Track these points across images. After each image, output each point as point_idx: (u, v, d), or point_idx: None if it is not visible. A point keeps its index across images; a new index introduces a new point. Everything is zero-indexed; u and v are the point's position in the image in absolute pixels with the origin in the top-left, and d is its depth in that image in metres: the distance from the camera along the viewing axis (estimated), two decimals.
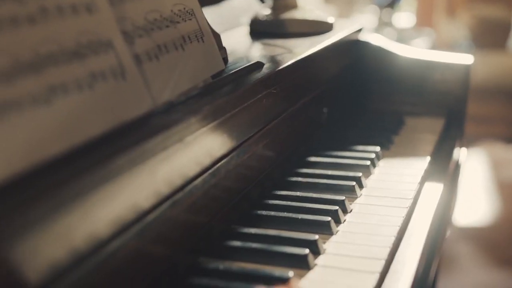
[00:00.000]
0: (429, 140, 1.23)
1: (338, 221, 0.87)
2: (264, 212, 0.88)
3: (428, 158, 1.12)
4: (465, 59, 1.40)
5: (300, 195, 0.94)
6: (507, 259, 2.42)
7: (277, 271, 0.72)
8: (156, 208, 0.68)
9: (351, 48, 1.41)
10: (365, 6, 4.06)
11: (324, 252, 0.79)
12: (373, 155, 1.10)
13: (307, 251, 0.75)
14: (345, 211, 0.90)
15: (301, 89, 1.10)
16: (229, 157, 0.84)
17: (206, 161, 0.78)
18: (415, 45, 3.04)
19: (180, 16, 0.81)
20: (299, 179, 1.01)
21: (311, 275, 0.74)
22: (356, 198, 0.96)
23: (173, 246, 0.72)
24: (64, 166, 0.55)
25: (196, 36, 0.83)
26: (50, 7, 0.61)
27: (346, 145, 1.16)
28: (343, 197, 0.92)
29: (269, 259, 0.76)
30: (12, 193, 0.49)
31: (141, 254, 0.66)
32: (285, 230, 0.84)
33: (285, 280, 0.70)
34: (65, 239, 0.55)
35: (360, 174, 1.01)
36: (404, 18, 4.16)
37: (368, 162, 1.07)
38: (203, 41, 0.85)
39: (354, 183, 0.97)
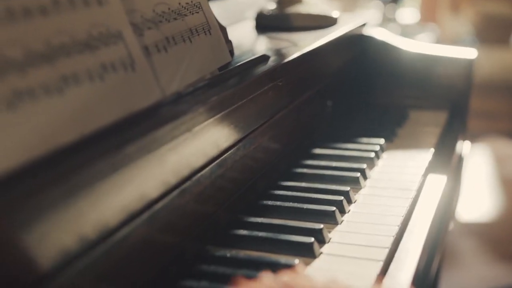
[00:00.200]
0: (433, 133, 1.25)
1: (343, 211, 0.88)
2: (270, 202, 0.90)
3: (432, 150, 1.13)
4: (469, 53, 1.41)
5: (306, 186, 0.96)
6: (511, 255, 2.43)
7: (283, 258, 0.73)
8: (164, 196, 0.69)
9: (355, 42, 1.42)
10: (369, 1, 4.07)
11: (329, 241, 0.80)
12: (377, 147, 1.12)
13: (312, 239, 0.77)
14: (349, 202, 0.92)
15: (306, 82, 1.12)
16: (235, 148, 0.85)
17: (213, 151, 0.79)
18: (419, 40, 3.05)
19: (187, 9, 0.83)
20: (305, 170, 1.03)
21: (316, 263, 0.75)
22: (361, 189, 0.97)
23: (181, 234, 0.74)
24: (76, 154, 0.56)
25: (203, 29, 0.85)
26: (62, 0, 0.62)
27: (351, 138, 1.18)
28: (347, 188, 0.93)
29: (275, 247, 0.78)
30: (24, 179, 0.50)
31: (150, 241, 0.67)
32: (291, 220, 0.85)
33: (291, 267, 0.71)
34: (75, 226, 0.56)
35: (364, 165, 1.02)
36: (408, 13, 4.16)
37: (373, 154, 1.08)
38: (210, 34, 0.86)
39: (358, 174, 0.99)
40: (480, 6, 3.58)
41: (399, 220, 0.86)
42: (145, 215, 0.66)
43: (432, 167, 1.09)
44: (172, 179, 0.71)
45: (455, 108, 1.40)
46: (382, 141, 1.16)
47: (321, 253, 0.77)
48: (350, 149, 1.12)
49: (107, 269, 0.61)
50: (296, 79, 1.06)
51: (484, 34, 3.57)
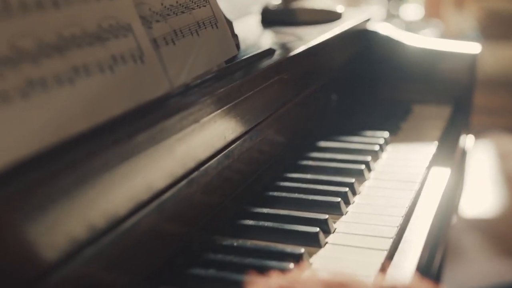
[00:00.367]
0: (437, 126, 1.26)
1: (347, 202, 0.89)
2: (276, 194, 0.91)
3: (436, 143, 1.14)
4: (473, 48, 1.42)
5: (311, 177, 0.97)
6: None
7: (289, 248, 0.75)
8: (172, 186, 0.70)
9: (360, 37, 1.43)
10: None
11: (334, 231, 0.81)
12: (381, 140, 1.13)
13: (317, 229, 0.78)
14: (354, 193, 0.93)
15: (311, 76, 1.13)
16: (242, 139, 0.86)
17: (220, 142, 0.80)
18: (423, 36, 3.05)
19: (195, 3, 0.84)
20: (310, 162, 1.04)
21: (322, 252, 0.76)
22: (365, 181, 0.99)
23: (189, 224, 0.75)
24: (87, 144, 0.57)
25: (210, 22, 0.86)
26: None
27: (355, 131, 1.19)
28: (352, 180, 0.94)
29: (281, 237, 0.79)
30: (35, 168, 0.52)
31: (158, 231, 0.68)
32: (297, 210, 0.86)
33: (297, 256, 0.72)
34: (85, 214, 0.57)
35: (369, 158, 1.04)
36: (411, 9, 4.16)
37: (377, 147, 1.09)
38: (217, 27, 0.87)
39: (363, 166, 1.00)
40: (484, 2, 3.58)
41: (403, 211, 0.87)
42: (154, 205, 0.67)
43: (436, 160, 1.10)
44: (180, 170, 0.72)
45: (458, 103, 1.41)
46: (386, 134, 1.17)
47: (327, 242, 0.79)
48: (354, 142, 1.13)
49: (116, 258, 0.62)
50: (301, 73, 1.07)
51: (488, 30, 3.57)
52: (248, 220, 0.82)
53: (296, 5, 1.31)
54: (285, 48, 1.05)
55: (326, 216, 0.82)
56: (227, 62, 0.88)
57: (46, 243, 0.53)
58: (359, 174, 0.99)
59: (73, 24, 0.63)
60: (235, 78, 0.83)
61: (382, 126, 1.21)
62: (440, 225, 0.99)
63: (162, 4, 0.77)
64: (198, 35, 0.82)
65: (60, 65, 0.59)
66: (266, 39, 1.17)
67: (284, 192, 0.91)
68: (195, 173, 0.75)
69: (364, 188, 0.96)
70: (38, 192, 0.51)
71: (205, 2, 0.86)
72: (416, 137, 1.19)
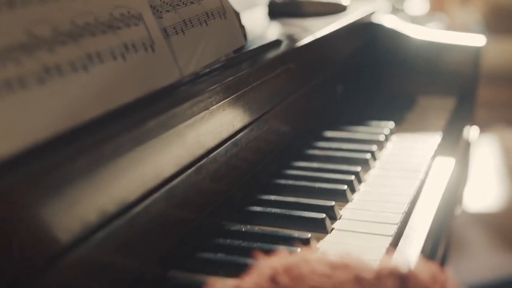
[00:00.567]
0: (441, 117, 1.27)
1: (353, 190, 0.91)
2: (283, 181, 0.93)
3: (441, 134, 1.16)
4: (477, 40, 1.43)
5: (317, 166, 0.98)
6: None
7: (296, 233, 0.76)
8: (182, 173, 0.72)
9: (365, 29, 1.44)
10: None
11: (340, 218, 0.83)
12: (386, 130, 1.14)
13: (324, 215, 0.80)
14: (360, 181, 0.94)
15: (317, 67, 1.14)
16: (249, 128, 0.88)
17: (229, 130, 0.82)
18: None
19: None
20: (316, 152, 1.05)
21: (328, 238, 0.78)
22: (370, 169, 1.00)
23: (198, 210, 0.77)
24: (100, 128, 0.59)
25: (218, 13, 0.87)
26: None
27: (361, 121, 1.20)
28: (358, 168, 0.96)
29: (288, 223, 0.81)
30: (51, 152, 0.53)
31: (168, 216, 0.70)
32: (303, 197, 0.88)
33: (304, 241, 0.74)
34: (98, 198, 0.58)
35: (374, 147, 1.05)
36: (416, 3, 4.16)
37: (382, 137, 1.11)
38: (225, 18, 0.89)
39: (368, 155, 1.01)
40: None
41: (408, 199, 0.88)
42: (164, 190, 0.69)
43: (440, 150, 1.11)
44: (190, 156, 0.73)
45: (463, 94, 1.43)
46: (391, 124, 1.18)
47: (333, 228, 0.80)
48: (360, 131, 1.15)
49: (126, 242, 0.63)
50: (308, 64, 1.09)
51: (493, 24, 3.57)
52: (255, 207, 0.84)
53: None
54: (291, 39, 1.06)
55: (333, 203, 0.83)
56: (234, 52, 0.89)
57: (60, 225, 0.54)
58: (365, 163, 1.00)
59: (86, 12, 0.64)
60: (243, 68, 0.85)
61: (387, 116, 1.23)
62: (444, 214, 1.00)
63: None
64: (207, 25, 0.84)
65: (74, 52, 0.61)
66: (272, 31, 1.19)
67: (291, 180, 0.93)
68: (204, 160, 0.76)
69: (369, 177, 0.97)
70: (54, 175, 0.53)
71: None
72: (421, 127, 1.21)
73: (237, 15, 0.96)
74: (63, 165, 0.54)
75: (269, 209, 0.83)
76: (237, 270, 0.68)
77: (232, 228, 0.79)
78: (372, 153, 1.03)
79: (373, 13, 1.46)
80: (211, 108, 0.75)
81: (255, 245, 0.74)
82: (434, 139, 1.13)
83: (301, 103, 1.08)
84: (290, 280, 0.49)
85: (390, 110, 1.30)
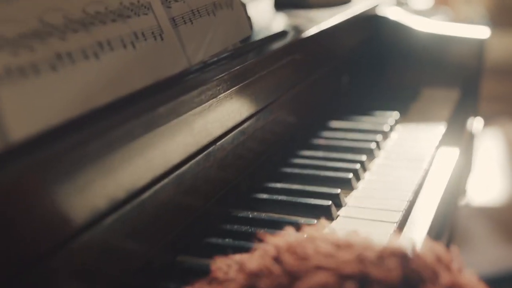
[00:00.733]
0: (445, 108, 1.28)
1: (358, 178, 0.92)
2: (289, 170, 0.94)
3: (445, 124, 1.17)
4: (481, 32, 1.44)
5: (323, 155, 0.99)
6: None
7: (302, 219, 0.77)
8: (191, 159, 0.73)
9: (370, 21, 1.45)
10: None
11: (345, 205, 0.84)
12: (391, 120, 1.15)
13: (330, 202, 0.81)
14: (365, 170, 0.95)
15: (322, 57, 1.15)
16: (255, 117, 0.89)
17: (236, 119, 0.83)
18: None
19: None
20: (322, 141, 1.06)
21: (334, 224, 0.79)
22: (375, 158, 1.01)
23: (206, 197, 0.78)
24: (112, 114, 0.60)
25: (226, 3, 0.88)
26: None
27: (365, 111, 1.22)
28: (363, 157, 0.97)
29: (295, 210, 0.82)
30: (64, 136, 0.54)
31: (177, 201, 0.71)
32: (309, 185, 0.89)
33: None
34: (110, 181, 0.59)
35: (379, 137, 1.06)
36: None
37: (387, 127, 1.12)
38: (232, 8, 0.90)
39: (373, 145, 1.02)
40: None
41: (412, 187, 0.89)
42: (172, 177, 0.70)
43: (444, 140, 1.12)
44: (198, 144, 0.74)
45: (467, 86, 1.43)
46: (396, 114, 1.19)
47: (338, 215, 0.81)
48: (365, 121, 1.16)
49: (136, 227, 0.64)
50: (313, 55, 1.09)
51: (497, 18, 3.57)
52: (262, 194, 0.85)
53: None
54: (297, 30, 1.07)
55: (338, 190, 0.84)
56: (241, 42, 0.90)
57: (71, 209, 0.55)
58: (370, 152, 1.01)
59: (97, 1, 0.65)
60: (250, 57, 0.86)
61: (391, 107, 1.24)
62: (448, 203, 1.01)
63: None
64: (214, 15, 0.85)
65: (85, 40, 0.62)
66: (278, 21, 1.20)
67: (297, 169, 0.94)
68: (212, 147, 0.77)
69: (374, 166, 0.99)
70: (65, 160, 0.54)
71: None
72: (425, 118, 1.22)
73: (243, 6, 0.97)
74: (74, 150, 0.55)
75: (275, 197, 0.84)
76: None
77: (239, 215, 0.80)
78: (377, 142, 1.04)
79: (377, 5, 1.47)
80: (218, 97, 0.76)
81: (262, 231, 0.75)
82: (438, 129, 1.14)
83: (307, 94, 1.09)
84: (294, 259, 0.50)
85: (395, 101, 1.31)
